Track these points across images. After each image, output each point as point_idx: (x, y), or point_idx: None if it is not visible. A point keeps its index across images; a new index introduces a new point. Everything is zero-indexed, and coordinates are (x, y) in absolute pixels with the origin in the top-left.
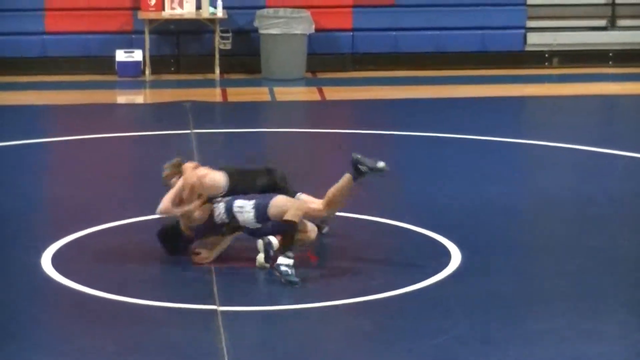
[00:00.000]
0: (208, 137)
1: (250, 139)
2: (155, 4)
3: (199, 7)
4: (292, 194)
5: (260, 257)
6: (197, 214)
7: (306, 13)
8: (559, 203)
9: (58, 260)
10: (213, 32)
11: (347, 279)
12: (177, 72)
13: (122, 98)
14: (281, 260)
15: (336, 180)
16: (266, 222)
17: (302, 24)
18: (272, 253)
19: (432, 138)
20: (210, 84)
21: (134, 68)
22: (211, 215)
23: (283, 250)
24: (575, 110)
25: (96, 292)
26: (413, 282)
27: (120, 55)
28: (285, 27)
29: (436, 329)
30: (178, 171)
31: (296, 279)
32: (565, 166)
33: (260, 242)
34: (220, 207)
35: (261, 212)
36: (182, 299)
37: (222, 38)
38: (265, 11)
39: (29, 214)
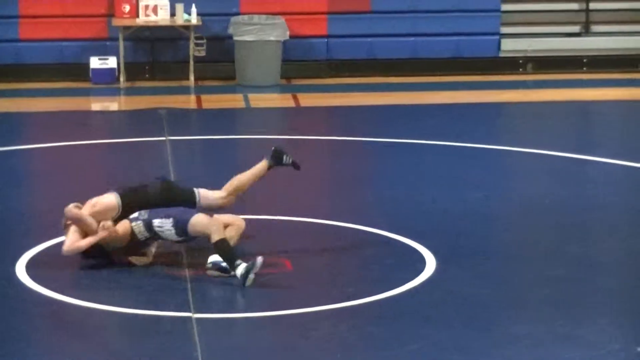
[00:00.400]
0: (183, 144)
1: (224, 146)
2: (129, 11)
3: (173, 14)
4: (188, 193)
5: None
6: (119, 233)
7: (281, 20)
8: (536, 209)
9: (32, 269)
10: (187, 38)
11: (324, 286)
12: (151, 79)
13: (97, 105)
14: (238, 272)
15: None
16: (189, 237)
17: (276, 31)
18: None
19: (408, 144)
20: (185, 90)
21: (108, 75)
22: (133, 233)
23: (231, 266)
24: (551, 116)
25: (71, 299)
26: (390, 289)
27: (95, 62)
28: (259, 33)
29: (414, 335)
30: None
31: (254, 269)
32: (542, 172)
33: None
34: (139, 225)
35: (181, 229)
36: (157, 306)
37: (197, 45)
38: (239, 18)
39: (1, 222)
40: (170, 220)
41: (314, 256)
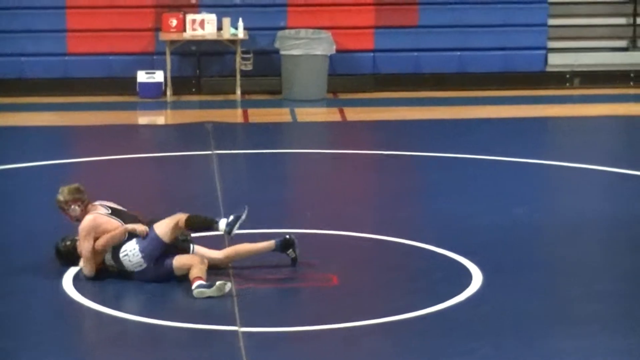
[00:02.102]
0: (229, 158)
1: (271, 160)
2: (176, 25)
3: (220, 28)
4: (186, 245)
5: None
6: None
7: (327, 34)
8: (583, 224)
9: (79, 281)
10: (234, 53)
11: (370, 300)
12: (198, 93)
13: (144, 119)
14: (221, 227)
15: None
16: (151, 258)
17: (323, 45)
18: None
19: (454, 159)
20: (232, 104)
21: (155, 89)
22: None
23: (213, 225)
24: (597, 130)
25: (118, 313)
26: (435, 303)
27: (142, 76)
28: (306, 48)
29: (459, 349)
30: (78, 198)
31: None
32: (588, 187)
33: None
34: (108, 254)
35: (148, 240)
36: (203, 320)
37: (243, 59)
38: (286, 32)
39: (50, 235)
40: (133, 239)
41: (360, 270)
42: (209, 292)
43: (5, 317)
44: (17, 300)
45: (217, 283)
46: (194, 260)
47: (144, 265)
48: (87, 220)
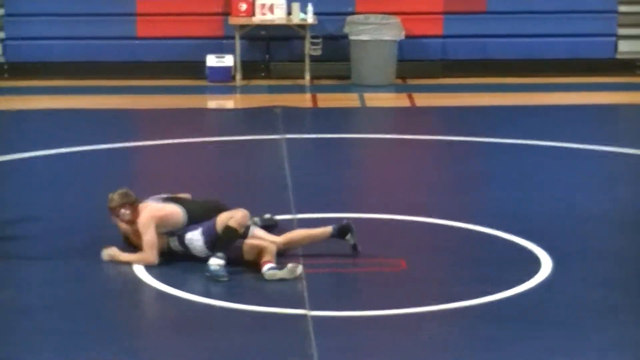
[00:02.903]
0: (298, 142)
1: (339, 145)
2: (246, 10)
3: (289, 12)
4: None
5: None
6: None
7: (396, 19)
8: None
9: (150, 265)
10: (303, 37)
11: (437, 285)
12: (267, 77)
13: (213, 103)
14: (212, 261)
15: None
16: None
17: (392, 30)
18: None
19: (521, 145)
20: (301, 89)
21: (224, 73)
22: (168, 244)
23: (215, 251)
24: None
25: (187, 295)
26: (502, 290)
27: (211, 60)
28: (375, 33)
29: (525, 337)
30: (127, 202)
31: (225, 276)
32: None
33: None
34: (174, 239)
35: (210, 235)
36: (272, 303)
37: (313, 44)
38: (355, 17)
39: None
40: (200, 229)
41: (428, 255)
42: (280, 274)
43: (73, 299)
44: (83, 283)
45: (289, 265)
46: (263, 244)
47: (210, 253)
48: (144, 214)
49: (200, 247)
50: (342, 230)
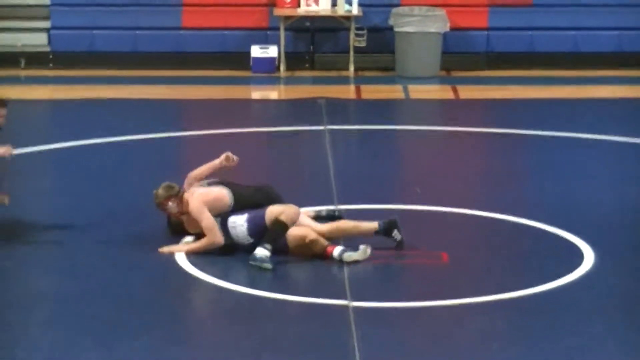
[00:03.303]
0: (341, 133)
1: (383, 137)
2: (291, 1)
3: (334, 4)
4: None
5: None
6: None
7: (441, 11)
8: None
9: (192, 254)
10: (348, 29)
11: (480, 278)
12: (311, 68)
13: (257, 94)
14: (258, 250)
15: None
16: (258, 238)
17: (437, 23)
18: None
19: (567, 138)
20: (345, 81)
21: (268, 64)
22: None
23: (262, 242)
24: None
25: (230, 285)
26: (547, 282)
27: (256, 51)
28: (420, 25)
29: (570, 329)
30: (172, 194)
31: (269, 265)
32: None
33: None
34: (217, 221)
35: (255, 224)
36: (313, 294)
37: (357, 35)
38: (400, 9)
39: None
40: (245, 216)
41: (471, 248)
42: (356, 255)
43: (116, 288)
44: (127, 272)
45: (361, 247)
46: (307, 232)
47: (251, 241)
48: (193, 202)
49: (242, 234)
50: (389, 226)
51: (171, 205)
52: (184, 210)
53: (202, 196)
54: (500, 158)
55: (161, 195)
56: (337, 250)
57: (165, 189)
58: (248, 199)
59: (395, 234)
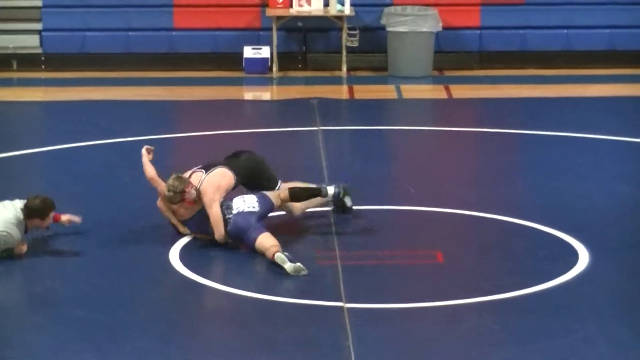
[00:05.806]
0: (334, 134)
1: (376, 136)
2: (283, 1)
3: (326, 4)
4: (274, 179)
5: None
6: (182, 211)
7: (433, 11)
8: None
9: (186, 256)
10: (340, 29)
11: (474, 278)
12: (304, 69)
13: (249, 94)
14: (330, 191)
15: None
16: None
17: (429, 22)
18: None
19: (559, 137)
20: (337, 81)
21: (261, 64)
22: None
23: (318, 193)
24: None
25: (223, 287)
26: (540, 282)
27: (248, 52)
28: (412, 24)
29: (563, 329)
30: (187, 181)
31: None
32: None
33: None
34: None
35: (265, 208)
36: (308, 295)
37: (350, 35)
38: (392, 9)
39: (156, 208)
40: (253, 196)
41: (465, 248)
42: (287, 265)
43: (112, 291)
44: (120, 274)
45: (298, 264)
46: (273, 242)
47: (255, 210)
48: (209, 190)
49: (250, 202)
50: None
51: (189, 191)
52: (196, 198)
53: (217, 183)
54: (494, 157)
55: (180, 185)
56: (276, 254)
57: (179, 179)
58: (244, 171)
59: (349, 202)
